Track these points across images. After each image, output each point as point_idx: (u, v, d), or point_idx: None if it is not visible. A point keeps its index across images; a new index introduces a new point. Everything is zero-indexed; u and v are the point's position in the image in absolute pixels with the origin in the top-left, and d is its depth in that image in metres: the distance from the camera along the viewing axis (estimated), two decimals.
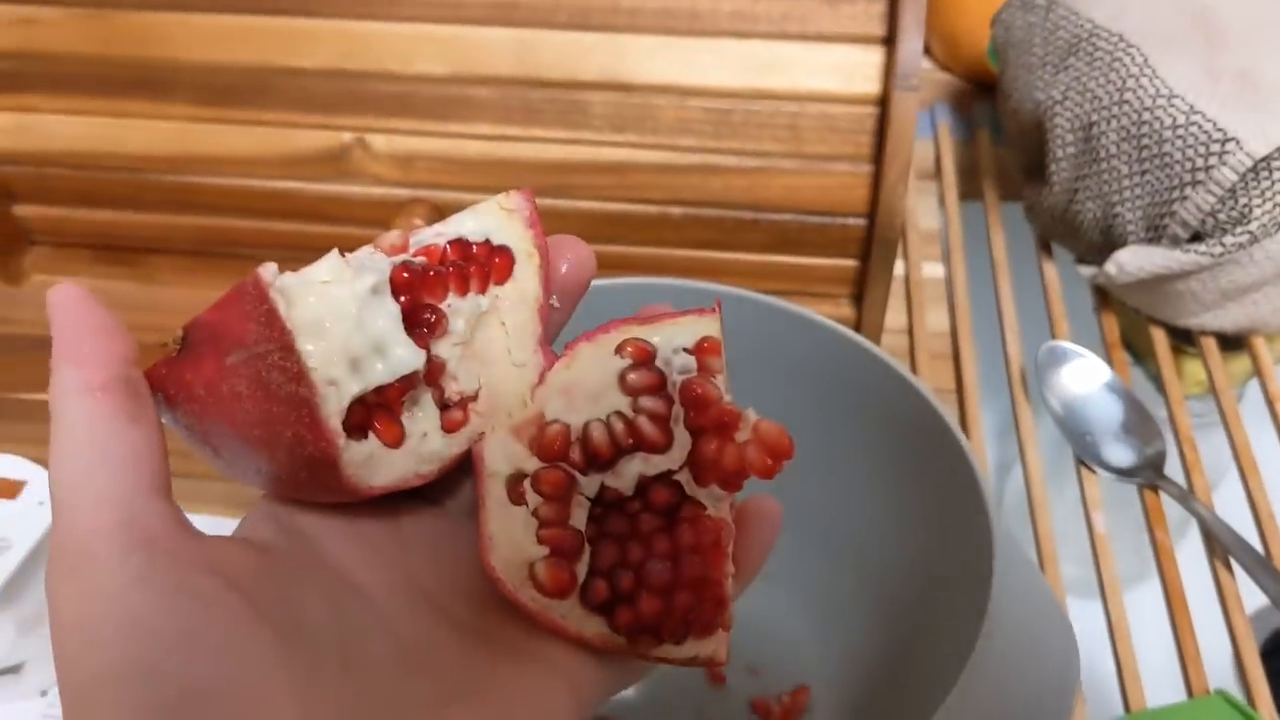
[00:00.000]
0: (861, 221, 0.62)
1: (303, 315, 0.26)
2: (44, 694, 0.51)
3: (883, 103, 0.60)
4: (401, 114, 0.62)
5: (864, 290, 0.63)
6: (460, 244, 0.30)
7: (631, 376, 0.29)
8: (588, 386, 0.29)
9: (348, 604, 0.27)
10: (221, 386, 0.26)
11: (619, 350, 0.29)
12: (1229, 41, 0.59)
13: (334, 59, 0.62)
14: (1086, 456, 0.58)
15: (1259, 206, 0.55)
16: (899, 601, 0.46)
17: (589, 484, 0.29)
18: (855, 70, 0.60)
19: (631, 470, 0.29)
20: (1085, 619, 0.53)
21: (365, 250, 0.28)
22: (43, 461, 0.51)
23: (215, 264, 0.69)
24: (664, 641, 0.28)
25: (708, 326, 0.30)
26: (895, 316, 0.66)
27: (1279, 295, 0.59)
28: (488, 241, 0.30)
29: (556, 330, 0.32)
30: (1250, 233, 0.56)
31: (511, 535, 0.28)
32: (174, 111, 0.63)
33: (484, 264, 0.30)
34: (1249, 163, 0.55)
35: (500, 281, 0.30)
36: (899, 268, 0.69)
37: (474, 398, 0.30)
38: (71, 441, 0.25)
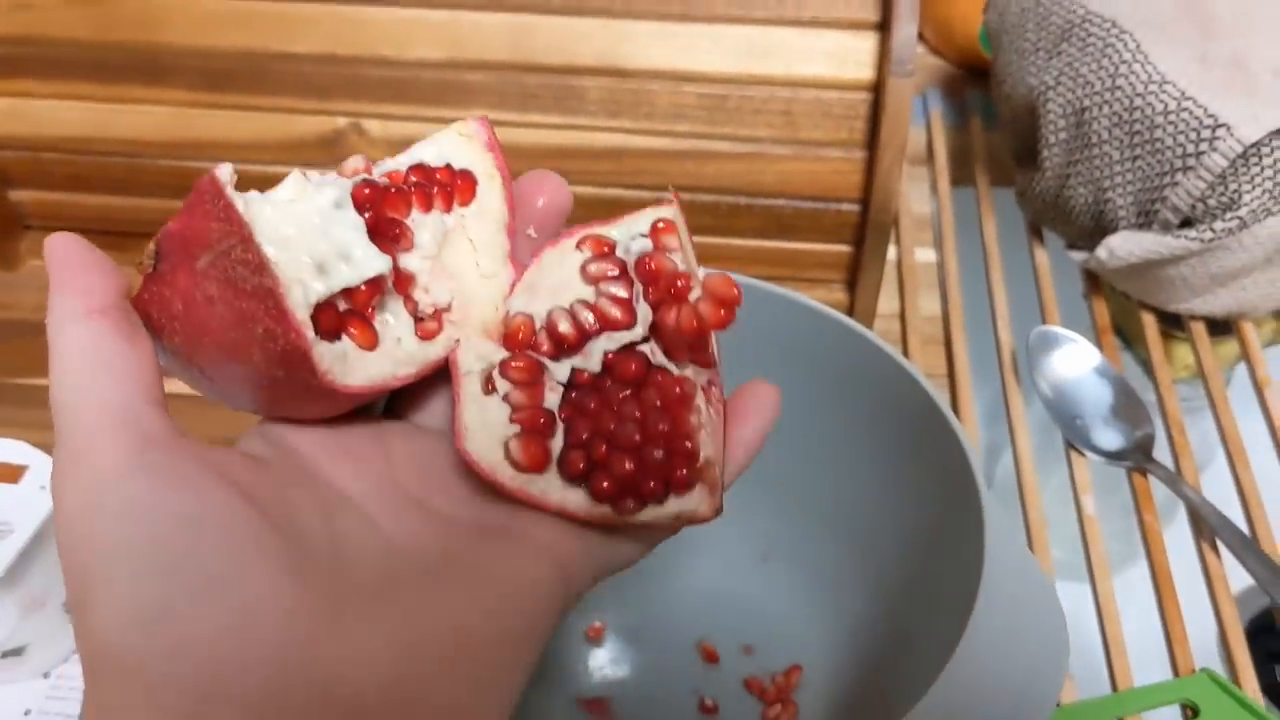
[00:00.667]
0: (855, 207, 0.62)
1: (265, 225, 0.27)
2: (46, 676, 0.52)
3: (876, 89, 0.60)
4: (396, 99, 0.62)
5: (857, 275, 0.64)
6: (421, 168, 0.31)
7: (592, 267, 0.30)
8: (550, 282, 0.31)
9: (336, 508, 0.28)
10: (196, 294, 0.27)
11: (579, 245, 0.31)
12: (1221, 28, 0.59)
13: (329, 44, 0.62)
14: (1076, 440, 0.58)
15: (1248, 192, 0.56)
16: (892, 581, 0.47)
17: (559, 369, 0.30)
18: (849, 56, 0.60)
19: (598, 348, 0.30)
20: (1072, 602, 0.53)
21: (328, 174, 0.29)
22: (43, 446, 0.51)
23: None
24: (646, 502, 0.29)
25: (664, 213, 0.31)
26: (888, 301, 0.67)
27: (1268, 280, 0.60)
28: (448, 166, 0.31)
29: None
30: (1240, 218, 0.56)
31: (485, 421, 0.29)
32: (169, 96, 0.64)
33: (446, 185, 0.31)
34: (1239, 149, 0.55)
35: (465, 203, 0.31)
36: (891, 253, 0.69)
37: (447, 309, 0.31)
38: (71, 359, 0.26)
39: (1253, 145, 0.55)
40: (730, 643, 0.52)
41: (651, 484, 0.29)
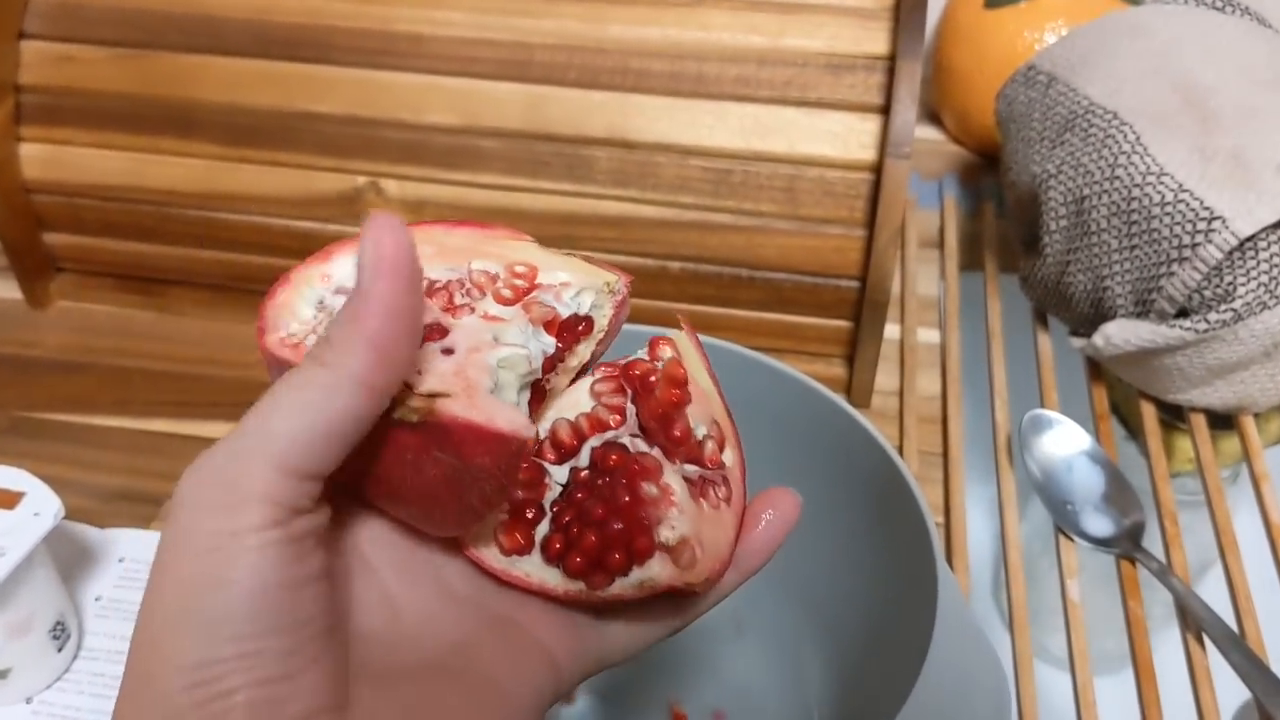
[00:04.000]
0: (855, 284, 0.63)
1: None
2: (29, 701, 0.53)
3: (878, 170, 0.61)
4: (413, 161, 0.65)
5: (855, 351, 0.64)
6: (570, 325, 0.32)
7: (598, 386, 0.33)
8: (562, 403, 0.33)
9: (358, 574, 0.29)
10: (407, 455, 0.28)
11: (593, 370, 0.33)
12: (1223, 123, 0.60)
13: (351, 105, 0.64)
14: (1066, 525, 0.58)
15: (1243, 285, 0.56)
16: (854, 649, 0.46)
17: (559, 472, 0.32)
18: (852, 137, 0.62)
19: (587, 446, 0.32)
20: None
21: (525, 321, 0.31)
22: (45, 476, 0.52)
23: (233, 298, 0.71)
24: (613, 575, 0.30)
25: (667, 332, 0.33)
26: (888, 379, 0.67)
27: (1267, 375, 0.60)
28: (586, 316, 0.33)
29: None
30: (1234, 310, 0.56)
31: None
32: (199, 150, 0.66)
33: (573, 340, 0.33)
34: (1234, 241, 0.56)
35: (570, 349, 0.33)
36: (895, 332, 0.70)
37: None
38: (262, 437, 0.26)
39: (1248, 239, 0.56)
40: (700, 707, 0.51)
41: (615, 555, 0.30)
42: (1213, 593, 0.57)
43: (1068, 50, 0.67)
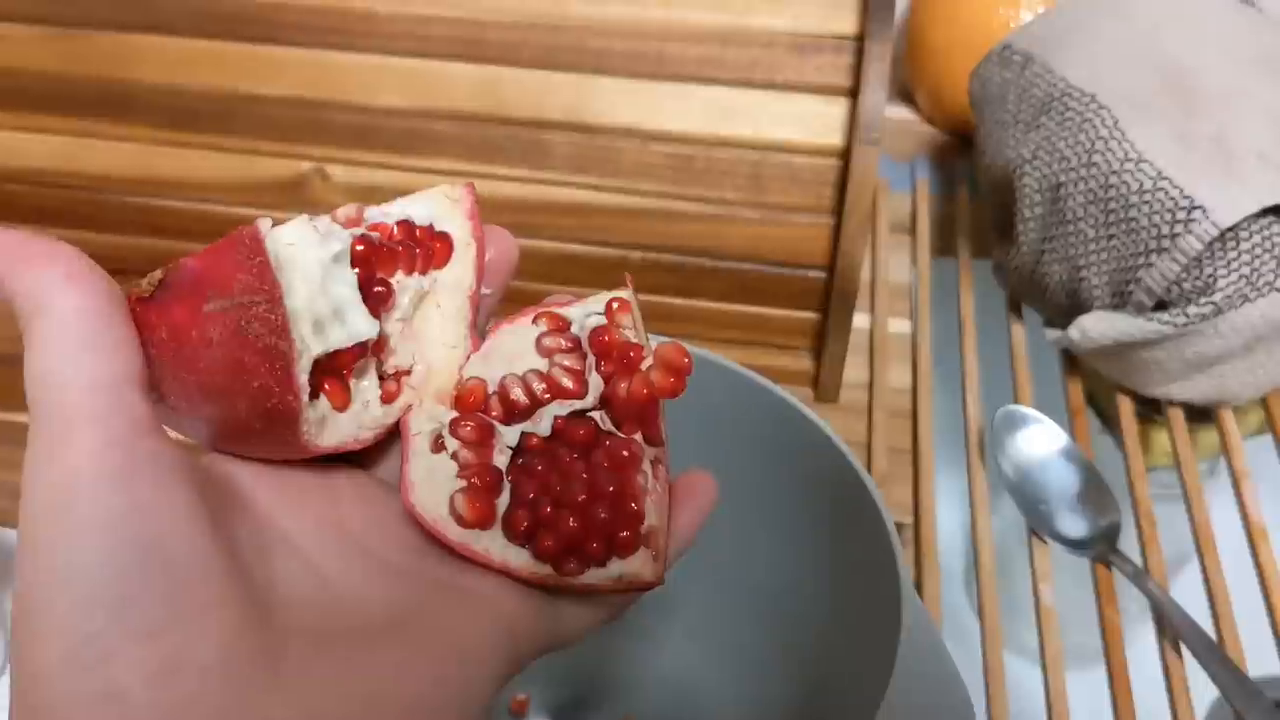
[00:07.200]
0: (822, 274, 0.61)
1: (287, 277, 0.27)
2: None
3: (846, 155, 0.59)
4: (362, 145, 0.62)
5: (823, 343, 0.62)
6: (407, 226, 0.31)
7: (546, 340, 0.31)
8: (505, 351, 0.31)
9: (274, 548, 0.27)
10: (190, 332, 0.26)
11: (535, 319, 0.31)
12: (1205, 105, 0.57)
13: (297, 87, 0.61)
14: (1039, 527, 0.56)
15: (1224, 277, 0.54)
16: (812, 661, 0.45)
17: (509, 434, 0.30)
18: (819, 121, 0.59)
19: (548, 413, 0.30)
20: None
21: (324, 219, 0.29)
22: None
23: None
24: (589, 564, 0.29)
25: (620, 293, 0.31)
26: (857, 371, 0.65)
27: (1246, 368, 0.58)
28: (431, 226, 0.31)
29: (486, 315, 0.33)
30: (1214, 304, 0.54)
31: (432, 477, 0.29)
32: (136, 133, 0.63)
33: (427, 248, 0.31)
34: (1215, 232, 0.53)
35: (439, 266, 0.31)
36: (865, 322, 0.67)
37: (408, 372, 0.31)
38: (59, 328, 0.24)
39: (1229, 229, 0.54)
40: None
41: (594, 544, 0.29)
42: (1186, 590, 0.56)
43: (1045, 29, 0.64)
